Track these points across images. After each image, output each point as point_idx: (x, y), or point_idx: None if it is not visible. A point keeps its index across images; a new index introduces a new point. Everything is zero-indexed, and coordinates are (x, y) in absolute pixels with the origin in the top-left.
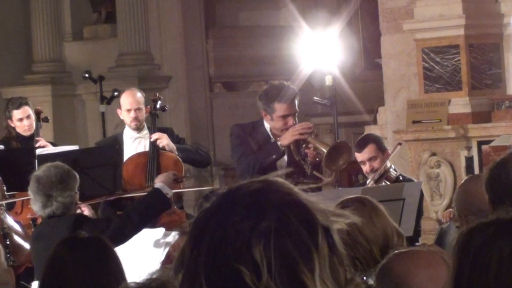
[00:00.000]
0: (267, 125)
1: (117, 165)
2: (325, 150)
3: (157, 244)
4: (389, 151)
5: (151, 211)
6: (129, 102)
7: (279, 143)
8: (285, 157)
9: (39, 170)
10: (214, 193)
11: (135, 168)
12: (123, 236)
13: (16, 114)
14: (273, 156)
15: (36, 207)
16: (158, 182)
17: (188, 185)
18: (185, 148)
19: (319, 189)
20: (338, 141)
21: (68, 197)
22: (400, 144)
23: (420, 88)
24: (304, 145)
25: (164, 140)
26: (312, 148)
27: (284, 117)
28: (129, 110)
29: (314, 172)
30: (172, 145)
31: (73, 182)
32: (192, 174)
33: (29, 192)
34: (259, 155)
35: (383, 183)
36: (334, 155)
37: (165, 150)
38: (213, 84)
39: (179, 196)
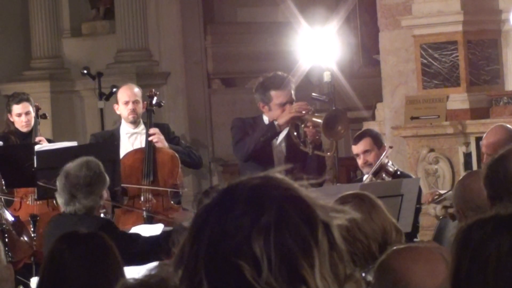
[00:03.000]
0: (266, 119)
1: (116, 161)
2: (321, 121)
3: None
4: (386, 147)
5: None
6: (127, 95)
7: (276, 122)
8: (284, 149)
9: (72, 165)
10: (214, 189)
11: (132, 164)
12: (149, 257)
13: (16, 109)
14: (268, 134)
15: (59, 200)
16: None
17: (186, 182)
18: (177, 149)
19: (319, 184)
20: (333, 108)
21: (91, 201)
22: (391, 147)
23: (418, 84)
24: (302, 125)
25: (160, 137)
26: (311, 127)
27: (282, 104)
28: (127, 103)
29: (316, 152)
30: (166, 145)
31: (101, 186)
32: (191, 170)
33: (57, 183)
34: (254, 134)
35: (383, 175)
36: (332, 124)
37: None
38: (211, 80)
39: (176, 192)
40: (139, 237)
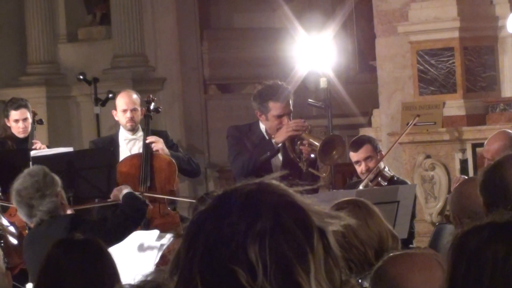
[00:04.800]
0: (262, 126)
1: (112, 167)
2: (318, 144)
3: (151, 246)
4: (383, 153)
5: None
6: (125, 103)
7: (273, 140)
8: (280, 157)
9: (17, 181)
10: (209, 195)
11: (129, 170)
12: (120, 233)
13: (13, 115)
14: (268, 153)
15: (23, 217)
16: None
17: (182, 188)
18: (177, 156)
19: (315, 191)
20: (331, 134)
21: (49, 203)
22: (418, 115)
23: (414, 91)
24: (298, 142)
25: (159, 145)
26: (306, 145)
27: (279, 116)
28: (125, 111)
29: (310, 169)
30: (166, 151)
31: (52, 187)
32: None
33: (14, 204)
34: (253, 153)
35: (379, 179)
36: (328, 149)
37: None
38: (207, 86)
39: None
40: (107, 216)
